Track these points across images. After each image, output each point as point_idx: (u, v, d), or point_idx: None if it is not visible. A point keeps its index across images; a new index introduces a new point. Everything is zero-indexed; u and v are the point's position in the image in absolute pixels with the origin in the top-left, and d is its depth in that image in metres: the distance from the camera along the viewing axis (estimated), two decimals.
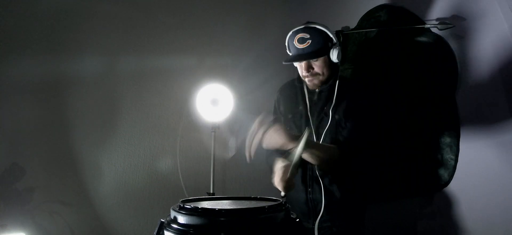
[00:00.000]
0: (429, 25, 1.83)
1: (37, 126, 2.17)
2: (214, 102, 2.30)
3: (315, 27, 1.63)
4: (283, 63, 1.69)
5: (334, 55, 1.63)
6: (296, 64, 1.72)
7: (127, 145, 2.39)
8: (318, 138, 1.64)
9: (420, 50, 1.88)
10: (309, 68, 1.65)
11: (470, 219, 1.70)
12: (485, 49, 1.65)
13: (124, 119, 2.40)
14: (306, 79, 1.69)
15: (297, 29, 1.64)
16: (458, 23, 1.73)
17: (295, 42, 1.63)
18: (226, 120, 2.38)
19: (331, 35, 1.64)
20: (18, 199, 2.04)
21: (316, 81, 1.68)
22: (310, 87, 1.73)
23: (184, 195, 2.40)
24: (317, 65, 1.65)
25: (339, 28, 2.14)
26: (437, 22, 1.80)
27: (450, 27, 1.75)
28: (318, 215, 1.63)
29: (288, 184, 1.42)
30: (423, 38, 1.86)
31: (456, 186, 1.76)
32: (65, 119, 2.25)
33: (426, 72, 1.86)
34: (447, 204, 1.80)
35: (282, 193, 1.40)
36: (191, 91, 2.39)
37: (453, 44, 1.76)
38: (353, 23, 2.15)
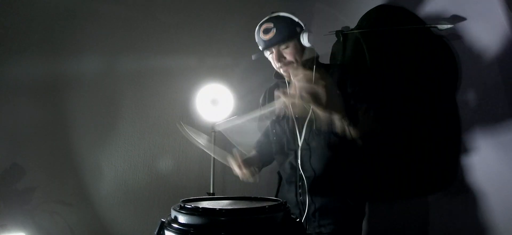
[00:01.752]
0: (429, 25, 1.83)
1: (37, 126, 2.17)
2: (214, 102, 2.30)
3: (279, 15, 1.57)
4: (253, 57, 1.62)
5: (304, 40, 1.56)
6: (270, 59, 1.65)
7: (127, 145, 2.39)
8: (311, 136, 1.58)
9: (420, 50, 1.88)
10: (280, 58, 1.57)
11: (470, 219, 1.70)
12: (485, 49, 1.64)
13: (124, 119, 2.40)
14: (281, 70, 1.61)
15: (261, 22, 1.58)
16: (458, 23, 1.73)
17: (261, 34, 1.56)
18: (226, 119, 2.38)
19: (297, 20, 1.57)
20: (18, 199, 2.04)
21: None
22: (287, 78, 1.65)
23: (184, 194, 2.41)
24: (287, 52, 1.57)
25: (339, 28, 2.14)
26: (437, 22, 1.79)
27: (450, 27, 1.75)
28: (311, 218, 1.59)
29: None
30: (423, 38, 1.86)
31: (456, 186, 1.76)
32: (65, 119, 2.25)
33: (426, 72, 1.86)
34: (447, 204, 1.80)
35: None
36: (191, 91, 2.39)
37: (453, 44, 1.76)
38: (353, 23, 2.15)
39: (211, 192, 2.27)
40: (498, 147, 1.61)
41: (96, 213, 2.27)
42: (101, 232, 2.29)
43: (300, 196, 1.61)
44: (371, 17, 2.08)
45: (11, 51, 2.11)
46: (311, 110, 1.54)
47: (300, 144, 1.59)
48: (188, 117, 2.47)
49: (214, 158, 2.29)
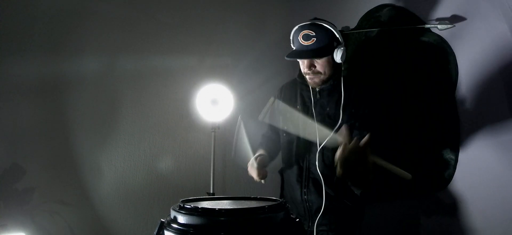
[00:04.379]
0: (429, 25, 1.83)
1: (37, 126, 2.17)
2: (214, 102, 2.30)
3: (322, 25, 1.59)
4: (286, 58, 1.65)
5: (338, 56, 1.60)
6: (298, 60, 1.68)
7: (127, 145, 2.39)
8: (322, 139, 1.60)
9: (420, 50, 1.88)
10: (311, 66, 1.61)
11: (470, 219, 1.70)
12: (485, 49, 1.64)
13: (124, 119, 2.40)
14: (307, 77, 1.66)
15: (303, 25, 1.60)
16: (458, 23, 1.73)
17: (300, 38, 1.59)
18: (226, 119, 2.38)
19: (337, 35, 1.60)
20: (18, 199, 2.04)
21: (317, 80, 1.65)
22: (310, 85, 1.69)
23: (184, 194, 2.41)
24: (319, 64, 1.61)
25: (339, 28, 2.14)
26: (437, 22, 1.79)
27: (450, 27, 1.75)
28: (314, 216, 1.61)
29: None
30: (423, 38, 1.86)
31: (456, 186, 1.76)
32: (65, 119, 2.25)
33: (426, 72, 1.86)
34: (447, 204, 1.80)
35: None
36: (191, 91, 2.39)
37: (453, 44, 1.76)
38: (353, 23, 2.15)
39: (211, 192, 2.27)
40: (498, 147, 1.61)
41: (96, 213, 2.27)
42: (101, 232, 2.28)
43: (305, 195, 1.64)
44: (371, 17, 2.08)
45: (11, 51, 2.11)
46: (339, 122, 1.58)
47: (318, 148, 1.61)
48: (188, 117, 2.47)
49: (214, 158, 2.29)
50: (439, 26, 1.78)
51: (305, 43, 1.57)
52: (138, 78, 2.43)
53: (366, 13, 2.10)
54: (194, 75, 2.49)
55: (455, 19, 1.74)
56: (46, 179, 2.15)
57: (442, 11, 1.80)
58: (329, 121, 1.62)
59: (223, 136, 2.47)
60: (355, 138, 1.20)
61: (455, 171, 1.76)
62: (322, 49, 1.57)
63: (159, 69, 2.47)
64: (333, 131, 1.58)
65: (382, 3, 2.04)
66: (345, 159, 1.19)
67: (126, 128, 2.39)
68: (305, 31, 1.58)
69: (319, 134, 1.62)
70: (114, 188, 2.34)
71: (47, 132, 2.20)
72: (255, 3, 2.75)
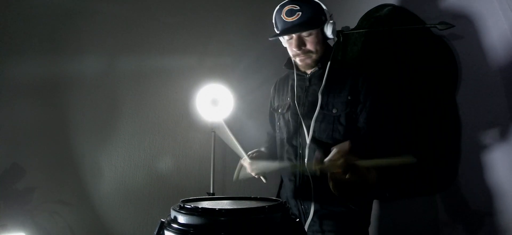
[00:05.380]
0: (429, 25, 1.83)
1: (37, 126, 2.17)
2: (214, 102, 2.31)
3: None
4: (269, 39, 1.51)
5: (328, 30, 1.45)
6: (285, 43, 1.54)
7: (127, 145, 2.39)
8: (310, 131, 1.48)
9: (420, 50, 1.88)
10: (300, 45, 1.46)
11: (470, 219, 1.70)
12: (485, 49, 1.64)
13: (124, 119, 2.40)
14: (297, 59, 1.52)
15: (284, 2, 1.46)
16: (458, 23, 1.73)
17: (283, 16, 1.44)
18: (226, 119, 2.38)
19: (324, 8, 1.46)
20: (18, 199, 2.04)
21: (309, 61, 1.50)
22: (302, 69, 1.55)
23: (184, 194, 2.41)
24: (309, 41, 1.46)
25: (339, 28, 2.14)
26: (437, 22, 1.79)
27: (450, 27, 1.75)
28: (310, 221, 1.49)
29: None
30: (423, 38, 1.86)
31: (456, 187, 1.76)
32: (65, 119, 2.25)
33: (426, 72, 1.86)
34: (446, 205, 1.80)
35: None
36: (191, 91, 2.39)
37: (453, 44, 1.76)
38: (353, 23, 2.14)
39: (211, 192, 2.27)
40: (497, 147, 1.61)
41: (96, 213, 2.27)
42: (101, 232, 2.29)
43: (299, 198, 1.55)
44: (371, 17, 2.08)
45: (11, 51, 2.11)
46: (318, 107, 1.48)
47: (308, 141, 1.49)
48: (188, 117, 2.47)
49: (214, 158, 2.29)
50: (439, 26, 1.78)
51: (290, 19, 1.42)
52: (138, 78, 2.44)
53: (366, 13, 2.10)
54: (194, 75, 2.50)
55: (455, 19, 1.74)
56: (46, 179, 2.15)
57: (442, 11, 1.80)
58: (320, 110, 1.49)
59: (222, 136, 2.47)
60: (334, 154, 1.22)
61: (455, 171, 1.76)
62: (310, 20, 1.42)
63: (159, 69, 2.47)
64: (314, 119, 1.46)
65: (382, 3, 2.04)
66: (336, 182, 1.21)
67: (126, 128, 2.40)
68: (288, 7, 1.43)
69: (308, 127, 1.49)
70: (114, 188, 2.34)
71: (47, 132, 2.20)
72: (255, 3, 2.75)
